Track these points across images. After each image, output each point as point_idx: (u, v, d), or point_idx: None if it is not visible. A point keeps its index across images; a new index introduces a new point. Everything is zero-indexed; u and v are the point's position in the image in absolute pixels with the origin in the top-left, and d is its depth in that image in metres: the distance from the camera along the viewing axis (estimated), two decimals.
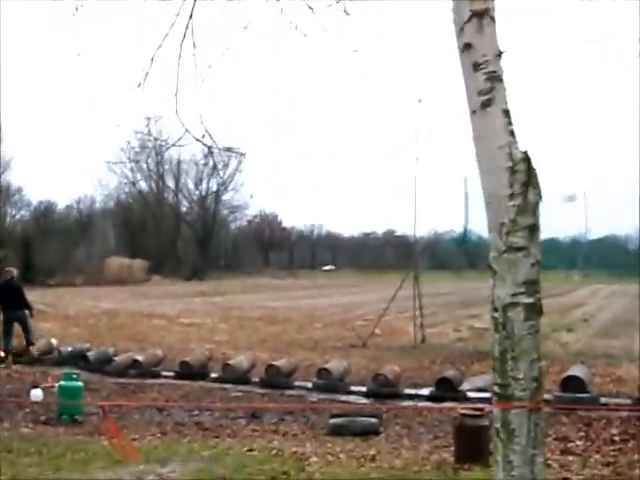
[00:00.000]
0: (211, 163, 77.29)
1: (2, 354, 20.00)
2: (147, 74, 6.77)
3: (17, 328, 20.68)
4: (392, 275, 48.38)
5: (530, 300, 4.18)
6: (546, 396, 14.85)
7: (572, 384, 14.72)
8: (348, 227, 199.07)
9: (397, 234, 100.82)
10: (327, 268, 79.58)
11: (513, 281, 4.17)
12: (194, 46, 6.45)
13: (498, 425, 4.23)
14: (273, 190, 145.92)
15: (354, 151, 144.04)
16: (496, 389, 4.26)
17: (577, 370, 15.79)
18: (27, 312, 20.59)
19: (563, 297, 52.92)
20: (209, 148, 7.28)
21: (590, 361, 20.01)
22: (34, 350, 20.01)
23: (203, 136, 6.93)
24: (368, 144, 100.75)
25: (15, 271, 21.18)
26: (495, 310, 4.28)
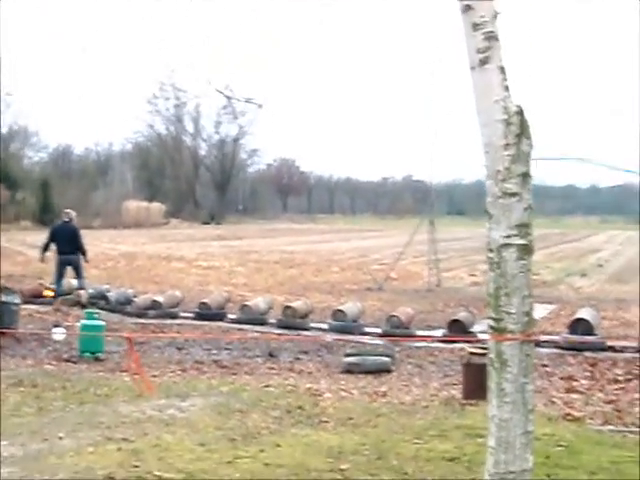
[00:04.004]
0: (231, 113, 77.40)
1: (51, 293, 20.19)
2: (169, 28, 7.04)
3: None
4: (410, 220, 48.64)
5: (522, 241, 4.52)
6: (555, 337, 15.34)
7: (580, 326, 15.07)
8: (367, 172, 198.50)
9: (415, 179, 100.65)
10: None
11: (507, 224, 4.52)
12: None
13: (493, 356, 4.58)
14: (292, 136, 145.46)
15: (374, 97, 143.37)
16: (491, 323, 4.61)
17: (586, 313, 16.12)
18: (81, 257, 20.24)
19: (579, 242, 53.19)
20: (229, 99, 7.56)
21: (601, 305, 20.34)
22: (84, 296, 19.87)
23: (224, 88, 7.21)
24: (389, 90, 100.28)
25: (74, 214, 20.86)
26: (490, 251, 4.64)
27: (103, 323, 14.34)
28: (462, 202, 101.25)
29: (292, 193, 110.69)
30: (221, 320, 18.24)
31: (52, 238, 20.16)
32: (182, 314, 18.91)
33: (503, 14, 4.46)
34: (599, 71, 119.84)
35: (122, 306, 19.47)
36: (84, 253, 20.16)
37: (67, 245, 19.82)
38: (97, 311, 15.29)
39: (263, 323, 17.73)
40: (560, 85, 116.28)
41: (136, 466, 7.02)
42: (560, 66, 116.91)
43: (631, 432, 8.61)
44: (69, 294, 20.57)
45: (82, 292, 19.90)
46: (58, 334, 15.42)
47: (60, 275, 20.00)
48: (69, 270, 20.00)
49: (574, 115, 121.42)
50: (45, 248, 20.32)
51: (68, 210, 21.09)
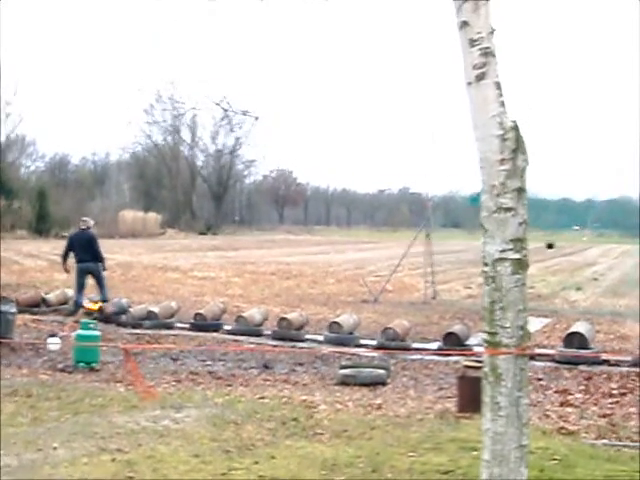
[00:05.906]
0: (228, 124, 77.45)
1: (95, 306, 19.94)
2: (168, 41, 7.08)
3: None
4: (406, 232, 48.73)
5: (517, 256, 4.55)
6: (550, 351, 15.35)
7: (575, 340, 15.08)
8: (363, 184, 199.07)
9: (412, 191, 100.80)
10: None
11: (502, 238, 4.54)
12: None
13: (487, 369, 4.60)
14: (289, 147, 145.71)
15: (372, 109, 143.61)
16: (485, 337, 4.63)
17: (581, 327, 16.14)
18: (100, 265, 20.13)
19: (575, 256, 53.27)
20: (226, 111, 7.57)
21: (596, 319, 20.36)
22: (108, 308, 19.65)
23: (221, 101, 7.24)
24: (386, 102, 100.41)
25: (92, 222, 20.76)
26: (485, 265, 4.66)
27: (98, 333, 14.34)
28: (458, 214, 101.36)
29: (289, 204, 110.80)
30: (216, 331, 18.22)
31: (70, 247, 20.11)
32: (177, 325, 18.88)
33: (500, 19, 4.48)
34: (597, 70, 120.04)
35: (117, 316, 19.41)
36: (102, 261, 20.15)
37: (85, 253, 19.74)
38: (92, 321, 15.28)
39: (258, 334, 17.73)
40: (557, 89, 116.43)
41: (130, 477, 7.04)
42: (558, 67, 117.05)
43: (625, 446, 8.62)
44: (65, 303, 20.57)
45: (106, 305, 19.73)
46: (53, 344, 15.41)
47: (81, 285, 19.89)
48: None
49: (571, 119, 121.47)
50: (65, 257, 20.25)
51: (85, 218, 21.08)
